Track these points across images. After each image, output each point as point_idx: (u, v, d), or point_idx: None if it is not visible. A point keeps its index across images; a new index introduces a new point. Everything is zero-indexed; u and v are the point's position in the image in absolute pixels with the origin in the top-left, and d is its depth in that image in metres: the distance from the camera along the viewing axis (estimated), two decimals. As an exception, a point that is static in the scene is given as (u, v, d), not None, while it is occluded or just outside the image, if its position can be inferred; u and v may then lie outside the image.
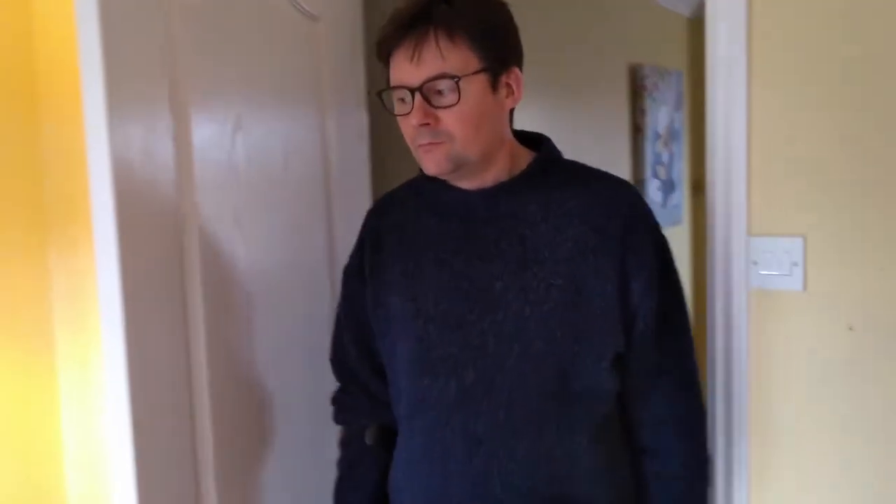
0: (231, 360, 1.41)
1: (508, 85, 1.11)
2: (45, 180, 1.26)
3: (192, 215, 1.30)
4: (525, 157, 1.18)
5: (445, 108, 1.05)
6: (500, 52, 1.08)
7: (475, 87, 1.05)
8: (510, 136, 1.17)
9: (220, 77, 1.37)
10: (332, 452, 1.44)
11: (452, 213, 1.15)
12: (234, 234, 1.40)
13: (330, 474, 1.43)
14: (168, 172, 1.25)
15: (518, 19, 1.17)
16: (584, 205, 1.13)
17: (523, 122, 1.25)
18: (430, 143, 1.07)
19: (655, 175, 3.94)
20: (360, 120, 1.84)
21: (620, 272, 1.11)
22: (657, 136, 3.96)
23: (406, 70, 1.06)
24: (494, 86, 1.08)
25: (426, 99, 1.05)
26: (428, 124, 1.05)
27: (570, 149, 1.27)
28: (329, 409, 1.41)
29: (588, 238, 1.10)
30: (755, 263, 1.37)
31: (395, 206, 1.25)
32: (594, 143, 3.28)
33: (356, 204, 1.71)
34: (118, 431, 1.17)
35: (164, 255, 1.26)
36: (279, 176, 1.53)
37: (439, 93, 1.05)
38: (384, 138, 2.49)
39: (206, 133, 1.33)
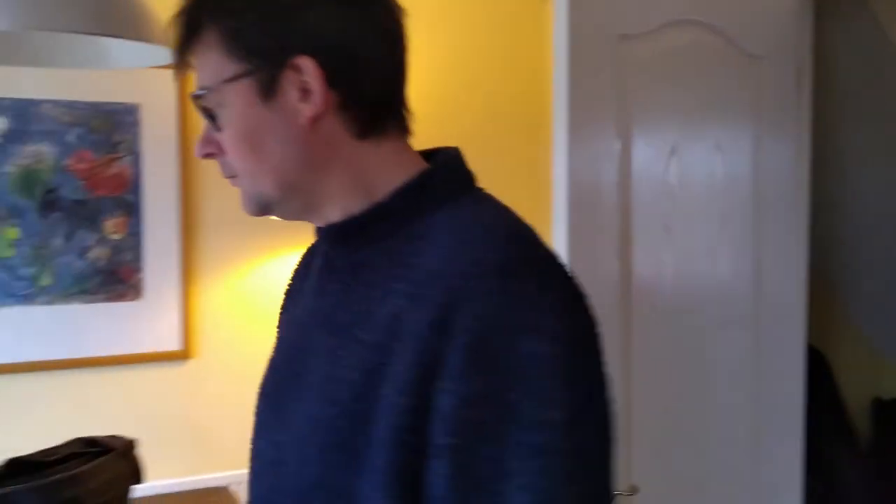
0: (648, 354, 1.71)
1: (304, 83, 0.73)
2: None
3: (627, 222, 1.66)
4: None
5: (219, 132, 0.76)
6: (267, 42, 0.74)
7: (234, 99, 0.74)
8: (361, 155, 0.77)
9: (660, 112, 1.71)
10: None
11: (316, 256, 0.86)
12: (663, 240, 1.71)
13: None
14: (611, 187, 1.64)
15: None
16: (426, 266, 0.70)
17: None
18: (230, 178, 0.79)
19: None
20: (800, 150, 1.95)
21: (420, 380, 0.65)
22: None
23: None
24: (268, 91, 0.74)
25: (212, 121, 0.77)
26: (208, 155, 0.78)
27: None
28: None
29: (405, 317, 0.69)
30: None
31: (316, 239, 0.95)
32: None
33: (788, 228, 1.88)
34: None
35: (606, 255, 1.64)
36: (708, 196, 1.80)
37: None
38: (835, 169, 2.51)
39: (644, 157, 1.69)
